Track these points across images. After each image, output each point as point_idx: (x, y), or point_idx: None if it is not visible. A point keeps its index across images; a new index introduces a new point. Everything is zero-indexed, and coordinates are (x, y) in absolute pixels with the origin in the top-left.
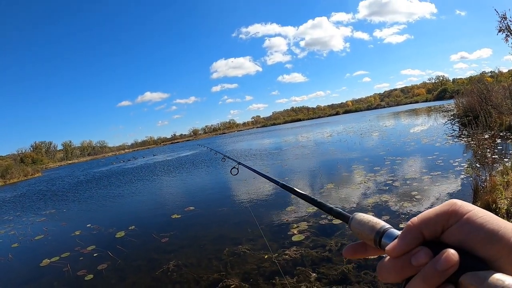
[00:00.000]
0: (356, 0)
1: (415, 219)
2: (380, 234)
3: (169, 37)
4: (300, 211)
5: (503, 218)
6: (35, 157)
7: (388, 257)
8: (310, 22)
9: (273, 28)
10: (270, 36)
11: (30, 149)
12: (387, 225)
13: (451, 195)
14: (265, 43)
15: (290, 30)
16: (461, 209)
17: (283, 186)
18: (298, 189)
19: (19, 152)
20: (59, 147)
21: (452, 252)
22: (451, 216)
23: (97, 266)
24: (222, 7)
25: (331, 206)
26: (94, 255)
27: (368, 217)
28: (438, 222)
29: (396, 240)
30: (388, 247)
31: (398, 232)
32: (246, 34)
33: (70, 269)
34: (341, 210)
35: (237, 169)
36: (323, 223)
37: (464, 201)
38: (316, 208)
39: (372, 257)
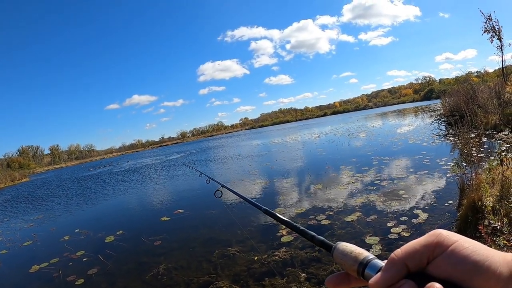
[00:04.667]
0: (340, 4)
1: (399, 251)
2: (364, 265)
3: (155, 40)
4: (288, 212)
5: (489, 215)
6: (22, 161)
7: None
8: (295, 25)
9: (259, 31)
10: (256, 39)
11: (16, 153)
12: (371, 256)
13: (438, 194)
14: (251, 46)
15: (275, 33)
16: (446, 240)
17: (266, 212)
18: (281, 214)
19: (6, 156)
20: (46, 152)
21: (437, 287)
22: (436, 247)
23: (87, 271)
24: (207, 10)
25: (313, 234)
26: (84, 260)
27: (351, 247)
28: (423, 253)
29: (379, 273)
30: (371, 281)
31: (382, 263)
32: (232, 37)
33: (60, 275)
34: (323, 239)
35: (221, 191)
36: (312, 223)
37: (449, 231)
38: (304, 209)
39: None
